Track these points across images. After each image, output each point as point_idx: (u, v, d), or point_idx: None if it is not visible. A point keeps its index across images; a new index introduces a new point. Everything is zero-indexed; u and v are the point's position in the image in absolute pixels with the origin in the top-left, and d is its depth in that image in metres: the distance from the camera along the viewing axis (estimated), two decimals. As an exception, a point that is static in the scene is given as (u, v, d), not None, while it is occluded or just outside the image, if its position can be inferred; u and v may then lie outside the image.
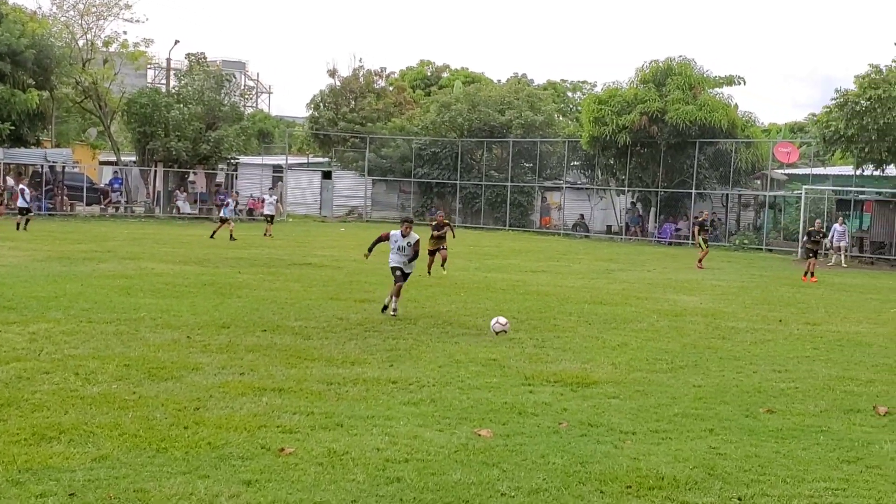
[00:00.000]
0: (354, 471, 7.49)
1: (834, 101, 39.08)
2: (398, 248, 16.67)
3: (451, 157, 55.57)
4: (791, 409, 10.45)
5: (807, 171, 47.11)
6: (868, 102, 37.12)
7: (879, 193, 42.45)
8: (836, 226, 37.43)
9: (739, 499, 7.16)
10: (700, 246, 32.22)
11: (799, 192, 42.86)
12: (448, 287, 21.35)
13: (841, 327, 17.78)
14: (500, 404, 10.05)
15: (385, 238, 16.77)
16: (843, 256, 36.93)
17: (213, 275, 21.82)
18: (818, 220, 32.80)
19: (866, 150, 38.07)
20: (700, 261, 31.96)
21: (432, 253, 24.50)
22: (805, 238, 29.63)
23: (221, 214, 36.47)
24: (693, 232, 34.31)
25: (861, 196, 42.97)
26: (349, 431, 8.67)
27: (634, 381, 11.66)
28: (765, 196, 48.04)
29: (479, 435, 8.71)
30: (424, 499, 6.91)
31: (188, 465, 7.52)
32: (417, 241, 16.88)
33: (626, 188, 49.47)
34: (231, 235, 34.20)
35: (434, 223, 25.08)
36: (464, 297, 19.72)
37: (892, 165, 39.94)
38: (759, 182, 50.41)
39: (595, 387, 11.16)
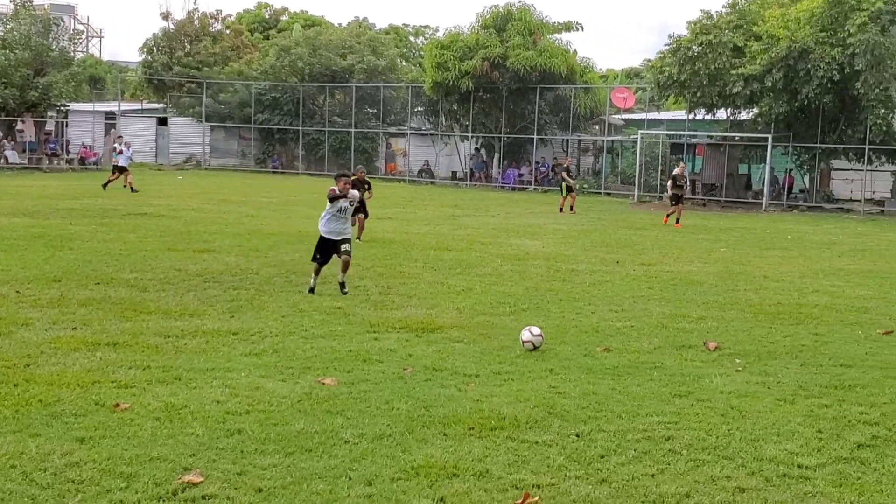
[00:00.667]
0: (193, 424, 7.32)
1: (667, 47, 40.18)
2: (338, 211, 13.91)
3: (292, 102, 54.60)
4: (627, 347, 10.78)
5: (642, 116, 48.41)
6: (700, 48, 38.32)
7: (710, 137, 44.05)
8: (675, 170, 38.62)
9: (577, 435, 7.34)
10: (563, 192, 32.39)
11: (635, 136, 44.03)
12: (291, 236, 21.08)
13: (674, 267, 18.42)
14: (345, 352, 10.00)
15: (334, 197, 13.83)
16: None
17: (43, 227, 20.90)
18: (682, 163, 33.13)
19: (698, 94, 39.37)
20: (562, 208, 32.37)
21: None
22: (670, 183, 29.72)
23: (118, 163, 34.95)
24: (560, 176, 34.41)
25: (693, 140, 44.48)
26: (188, 385, 8.47)
27: (478, 325, 11.80)
28: (603, 141, 49.18)
29: (323, 383, 8.65)
30: (266, 450, 6.82)
31: (18, 423, 7.21)
32: (360, 198, 15.05)
33: (470, 134, 49.74)
34: (132, 187, 33.36)
35: (353, 178, 21.92)
36: (308, 245, 19.49)
37: (722, 109, 41.44)
38: (597, 127, 51.54)
39: (440, 332, 11.24)
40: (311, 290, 13.67)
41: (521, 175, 48.79)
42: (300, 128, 54.01)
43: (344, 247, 13.88)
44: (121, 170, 34.16)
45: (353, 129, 52.56)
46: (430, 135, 53.25)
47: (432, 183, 50.12)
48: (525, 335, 10.51)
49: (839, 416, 8.11)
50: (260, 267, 15.81)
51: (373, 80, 53.24)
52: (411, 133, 53.49)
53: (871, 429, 7.77)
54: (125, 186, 33.35)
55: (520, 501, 5.91)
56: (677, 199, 29.03)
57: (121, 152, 34.58)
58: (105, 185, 33.10)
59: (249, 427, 7.29)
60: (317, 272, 13.97)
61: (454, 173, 51.91)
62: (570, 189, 32.51)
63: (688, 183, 38.51)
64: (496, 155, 50.23)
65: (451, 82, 46.71)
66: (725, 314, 13.32)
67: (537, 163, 48.47)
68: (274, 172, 52.91)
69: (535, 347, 10.37)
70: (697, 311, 13.41)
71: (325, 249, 13.97)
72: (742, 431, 7.60)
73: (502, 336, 11.15)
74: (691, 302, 14.27)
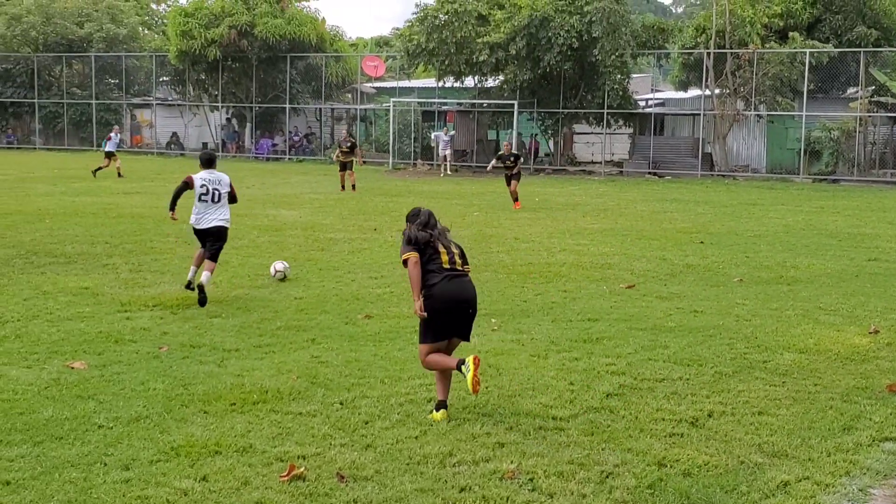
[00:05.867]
0: (-72, 420, 6.78)
1: (415, 16, 40.65)
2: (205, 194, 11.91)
3: (26, 73, 51.41)
4: (387, 313, 10.87)
5: (393, 84, 48.83)
6: (446, 16, 39.01)
7: (460, 104, 45.02)
8: (441, 135, 39.38)
9: (341, 403, 7.34)
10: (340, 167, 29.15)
11: (387, 104, 44.35)
12: (29, 215, 19.91)
13: (430, 232, 18.69)
14: (95, 334, 9.54)
15: (189, 185, 11.95)
16: (448, 165, 38.85)
17: None
18: (507, 143, 29.16)
19: (446, 62, 40.10)
20: (343, 186, 28.68)
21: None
22: (496, 162, 26.20)
23: (107, 149, 32.61)
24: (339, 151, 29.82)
25: (444, 107, 45.34)
26: (-80, 378, 7.84)
27: (237, 299, 11.58)
28: (356, 109, 49.27)
29: (72, 368, 8.23)
30: (13, 440, 6.41)
31: None
32: (230, 184, 12.08)
33: (220, 104, 48.57)
34: (119, 172, 31.93)
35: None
36: (49, 223, 18.49)
37: (470, 77, 42.44)
38: (349, 96, 51.57)
39: (196, 308, 10.92)
40: (189, 286, 11.53)
41: (275, 145, 48.21)
42: (36, 100, 50.96)
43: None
44: (110, 155, 32.49)
45: (94, 101, 50.13)
46: (178, 105, 51.59)
47: (182, 155, 48.64)
48: (278, 265, 12.96)
49: (589, 368, 8.50)
50: (-3, 249, 14.84)
51: (114, 50, 50.92)
52: (157, 103, 51.62)
53: (619, 378, 8.19)
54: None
55: (285, 474, 5.85)
56: (508, 180, 25.37)
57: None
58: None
59: (-8, 419, 6.83)
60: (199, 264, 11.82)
61: (205, 144, 50.52)
62: (347, 164, 28.70)
63: (450, 147, 39.00)
64: (248, 125, 49.35)
65: (197, 51, 45.40)
66: (480, 276, 13.65)
67: (290, 132, 48.06)
68: (9, 148, 49.77)
69: (286, 277, 12.70)
70: (454, 275, 13.67)
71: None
72: (500, 388, 7.83)
73: (262, 309, 10.98)
74: (448, 265, 14.52)
